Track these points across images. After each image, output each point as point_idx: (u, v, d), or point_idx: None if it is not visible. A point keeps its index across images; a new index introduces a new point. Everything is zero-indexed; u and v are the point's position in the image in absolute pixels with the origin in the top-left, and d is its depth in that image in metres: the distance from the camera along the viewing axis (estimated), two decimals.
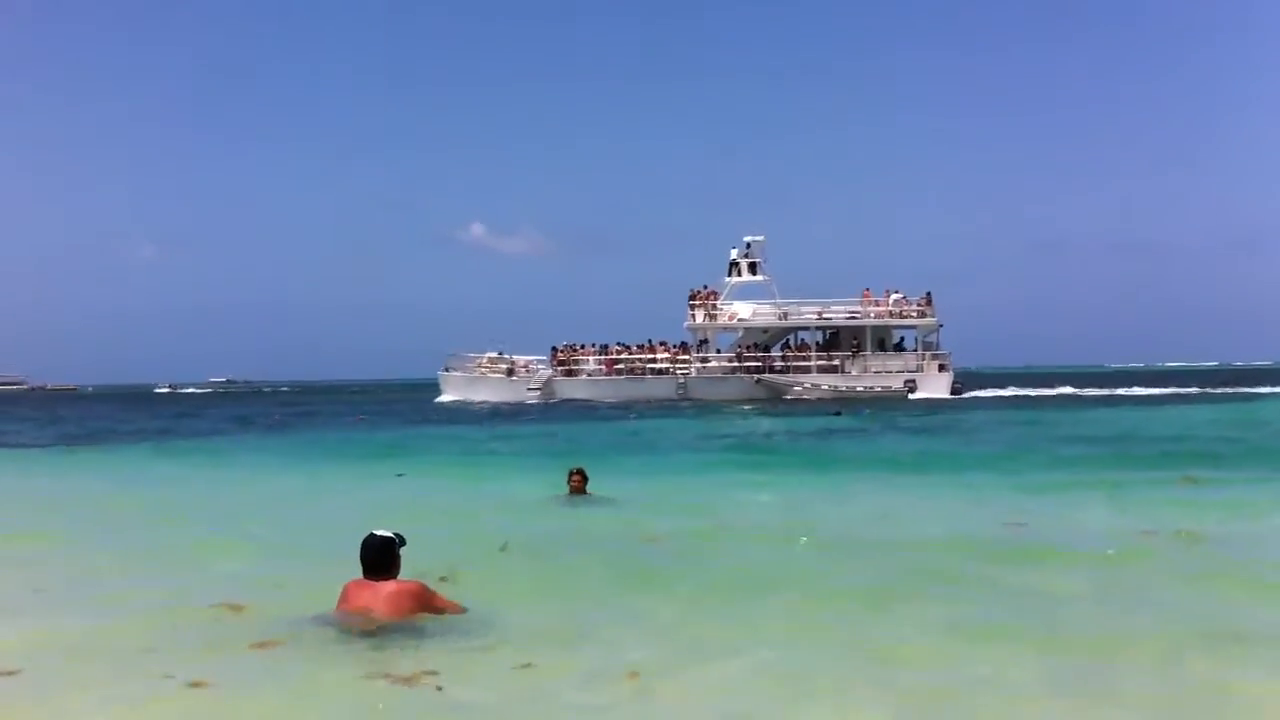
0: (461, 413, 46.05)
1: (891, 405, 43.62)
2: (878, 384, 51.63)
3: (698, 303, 55.78)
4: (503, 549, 7.21)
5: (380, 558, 6.78)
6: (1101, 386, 57.24)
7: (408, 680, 5.64)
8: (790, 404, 47.71)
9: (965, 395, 50.98)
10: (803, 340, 55.73)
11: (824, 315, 55.17)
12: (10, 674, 5.86)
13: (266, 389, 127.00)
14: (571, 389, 54.98)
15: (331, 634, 6.51)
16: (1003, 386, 56.84)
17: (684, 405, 48.60)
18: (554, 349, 57.74)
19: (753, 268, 55.89)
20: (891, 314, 54.12)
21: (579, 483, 12.72)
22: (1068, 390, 55.09)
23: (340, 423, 40.26)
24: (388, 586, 6.71)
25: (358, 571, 6.86)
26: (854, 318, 54.46)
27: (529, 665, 5.98)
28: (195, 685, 5.57)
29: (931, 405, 43.99)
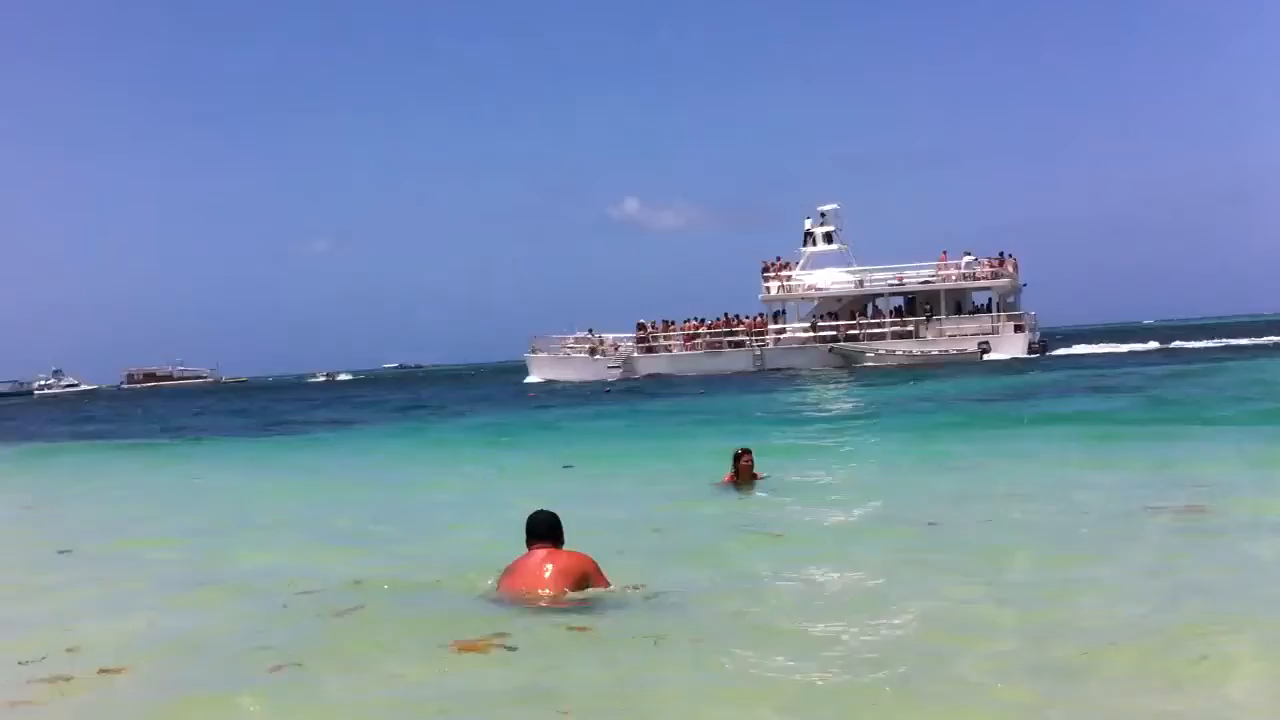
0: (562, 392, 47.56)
1: (963, 368, 44.32)
2: (951, 347, 52.08)
3: (771, 274, 56.84)
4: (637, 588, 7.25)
5: (551, 530, 7.11)
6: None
7: (477, 647, 5.97)
8: (866, 370, 48.59)
9: (1049, 354, 51.11)
10: (875, 307, 56.33)
11: (901, 281, 55.77)
12: (116, 669, 5.97)
13: (430, 372, 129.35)
14: (652, 365, 56.43)
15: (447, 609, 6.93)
16: (1095, 343, 56.79)
17: (758, 377, 49.69)
18: (639, 325, 59.10)
19: (828, 236, 56.58)
20: (965, 276, 54.50)
21: (748, 463, 12.14)
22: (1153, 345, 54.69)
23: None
24: (559, 554, 7.02)
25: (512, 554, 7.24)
26: (928, 283, 55.02)
27: (586, 630, 6.25)
28: (275, 668, 5.78)
29: (1006, 366, 44.50)
